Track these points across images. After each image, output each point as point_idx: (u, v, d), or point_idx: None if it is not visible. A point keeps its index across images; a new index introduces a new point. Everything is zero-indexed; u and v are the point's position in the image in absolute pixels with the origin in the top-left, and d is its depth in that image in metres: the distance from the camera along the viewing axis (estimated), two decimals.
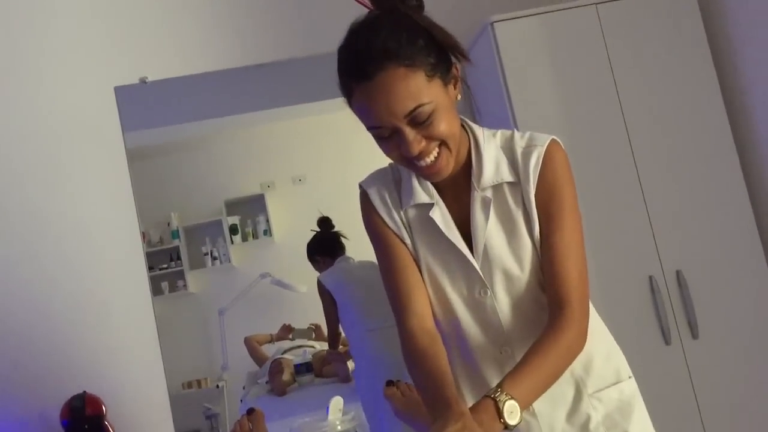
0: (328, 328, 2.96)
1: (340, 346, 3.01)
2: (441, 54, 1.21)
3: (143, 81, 2.72)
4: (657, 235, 2.48)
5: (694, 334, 2.45)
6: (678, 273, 2.46)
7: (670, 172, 2.51)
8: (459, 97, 1.27)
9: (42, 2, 2.72)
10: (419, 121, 1.18)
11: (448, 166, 1.26)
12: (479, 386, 1.36)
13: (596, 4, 2.54)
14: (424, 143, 1.21)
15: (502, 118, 2.53)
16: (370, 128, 1.22)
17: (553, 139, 1.31)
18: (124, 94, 2.71)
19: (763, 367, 2.46)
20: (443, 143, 1.23)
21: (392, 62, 1.15)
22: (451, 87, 1.24)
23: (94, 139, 2.69)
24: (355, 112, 1.23)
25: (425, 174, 1.27)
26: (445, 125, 1.21)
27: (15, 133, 2.65)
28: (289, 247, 3.02)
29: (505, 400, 1.11)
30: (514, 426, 1.12)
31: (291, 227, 3.05)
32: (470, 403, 1.38)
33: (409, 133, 1.19)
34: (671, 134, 2.52)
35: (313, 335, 3.13)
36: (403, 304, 1.30)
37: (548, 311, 1.25)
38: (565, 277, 1.24)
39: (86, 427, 2.36)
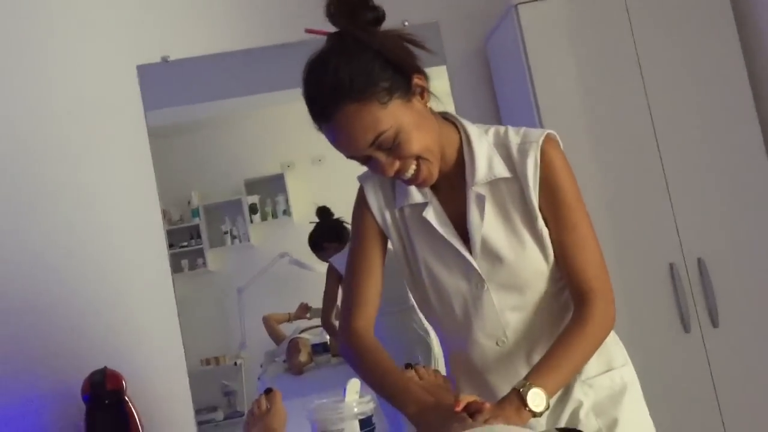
0: (324, 312, 2.97)
1: None
2: (397, 72, 1.20)
3: (165, 60, 2.72)
4: (679, 222, 2.45)
5: (714, 323, 2.43)
6: (699, 260, 2.44)
7: (694, 158, 2.48)
8: (428, 104, 1.27)
9: None
10: (385, 146, 1.20)
11: (431, 174, 1.27)
12: (478, 379, 1.38)
13: None
14: (398, 163, 1.23)
15: (525, 103, 2.50)
16: (348, 158, 1.25)
17: (548, 135, 1.30)
18: (146, 73, 2.72)
19: None
20: (419, 157, 1.24)
21: (344, 101, 1.16)
22: (416, 100, 1.24)
23: (115, 118, 2.70)
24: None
25: (412, 185, 1.31)
26: (416, 143, 1.22)
27: (37, 112, 2.67)
28: (308, 227, 3.03)
29: (528, 389, 1.14)
30: (541, 413, 1.14)
31: (310, 207, 3.05)
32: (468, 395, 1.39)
33: (381, 157, 1.22)
34: (696, 120, 2.49)
35: None
36: (357, 305, 1.39)
37: (573, 306, 1.30)
38: (583, 270, 1.29)
39: (106, 401, 2.40)
